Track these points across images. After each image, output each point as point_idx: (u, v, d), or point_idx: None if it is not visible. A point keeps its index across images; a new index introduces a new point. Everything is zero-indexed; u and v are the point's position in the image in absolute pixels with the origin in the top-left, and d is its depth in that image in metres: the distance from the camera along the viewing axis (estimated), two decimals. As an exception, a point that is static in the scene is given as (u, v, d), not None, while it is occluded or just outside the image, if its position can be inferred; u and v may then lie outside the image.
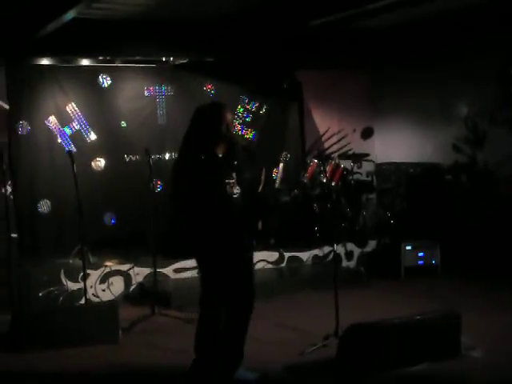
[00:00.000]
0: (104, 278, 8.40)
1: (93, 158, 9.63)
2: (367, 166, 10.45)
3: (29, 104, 9.21)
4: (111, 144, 9.74)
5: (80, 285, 7.84)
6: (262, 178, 5.78)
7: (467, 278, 8.95)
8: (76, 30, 8.35)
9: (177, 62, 10.03)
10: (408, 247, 9.39)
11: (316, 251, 9.52)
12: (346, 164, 10.02)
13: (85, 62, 9.66)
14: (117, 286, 8.48)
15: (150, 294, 7.86)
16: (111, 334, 6.68)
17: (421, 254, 9.43)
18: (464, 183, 9.94)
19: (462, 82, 9.81)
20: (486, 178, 9.57)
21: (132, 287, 8.57)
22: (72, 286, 8.16)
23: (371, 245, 9.80)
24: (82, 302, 7.63)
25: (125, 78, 9.87)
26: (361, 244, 9.72)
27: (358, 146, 10.75)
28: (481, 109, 9.61)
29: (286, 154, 10.73)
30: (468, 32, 9.39)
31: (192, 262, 8.71)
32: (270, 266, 9.23)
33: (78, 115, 9.51)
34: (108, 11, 8.32)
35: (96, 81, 9.65)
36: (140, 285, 8.55)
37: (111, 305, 7.24)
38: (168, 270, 8.74)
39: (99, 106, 9.70)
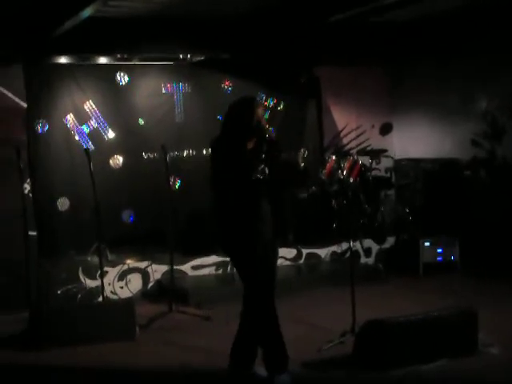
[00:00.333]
0: (122, 276, 8.44)
1: (111, 155, 9.65)
2: (386, 162, 10.37)
3: (47, 102, 9.25)
4: (129, 142, 9.76)
5: (98, 282, 7.85)
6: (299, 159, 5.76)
7: (486, 274, 8.88)
8: (93, 28, 8.37)
9: (194, 60, 10.02)
10: (427, 243, 9.32)
11: (334, 248, 9.49)
12: (364, 160, 9.97)
13: (102, 60, 9.67)
14: (135, 283, 8.52)
15: (167, 291, 7.86)
16: (128, 331, 6.73)
17: (439, 251, 9.35)
18: (483, 178, 9.83)
19: (481, 77, 9.73)
20: (505, 173, 9.46)
21: (150, 284, 8.60)
22: (90, 283, 8.20)
23: (390, 241, 9.75)
24: (100, 299, 7.67)
25: (142, 75, 9.88)
26: (379, 240, 9.68)
27: (376, 142, 10.67)
28: (500, 103, 9.53)
29: (304, 151, 10.69)
30: (487, 27, 9.31)
31: (210, 259, 8.82)
32: (288, 262, 9.21)
33: (96, 113, 9.54)
34: (124, 9, 8.32)
35: (113, 79, 9.67)
36: (158, 282, 8.57)
37: (128, 302, 7.26)
38: (186, 267, 8.77)
39: (117, 104, 9.71)
